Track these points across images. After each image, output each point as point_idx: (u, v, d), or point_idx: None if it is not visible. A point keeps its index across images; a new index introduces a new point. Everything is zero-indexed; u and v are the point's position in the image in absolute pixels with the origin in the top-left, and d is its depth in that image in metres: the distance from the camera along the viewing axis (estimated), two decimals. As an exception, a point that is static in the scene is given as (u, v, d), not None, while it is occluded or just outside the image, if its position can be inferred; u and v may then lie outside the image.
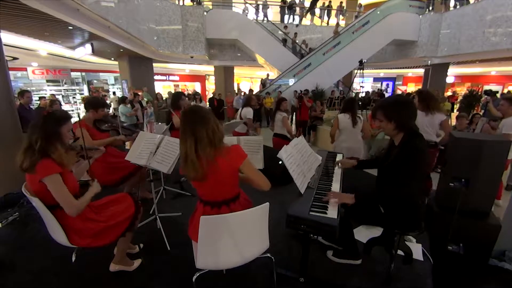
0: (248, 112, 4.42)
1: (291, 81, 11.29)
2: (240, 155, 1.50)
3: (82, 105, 8.81)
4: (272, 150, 3.59)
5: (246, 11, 12.13)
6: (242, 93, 11.61)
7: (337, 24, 12.77)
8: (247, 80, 22.15)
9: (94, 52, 8.35)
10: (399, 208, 1.73)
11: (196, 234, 1.39)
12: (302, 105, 7.63)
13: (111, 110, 7.63)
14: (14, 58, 10.22)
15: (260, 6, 12.50)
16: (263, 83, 11.30)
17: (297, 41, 12.20)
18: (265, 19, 12.45)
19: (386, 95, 18.43)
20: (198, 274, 1.55)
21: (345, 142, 3.40)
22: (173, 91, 12.57)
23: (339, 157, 2.65)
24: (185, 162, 1.45)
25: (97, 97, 3.40)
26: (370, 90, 16.34)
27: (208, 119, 1.45)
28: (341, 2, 15.37)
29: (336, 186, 1.94)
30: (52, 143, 1.56)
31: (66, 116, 1.72)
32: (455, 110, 10.83)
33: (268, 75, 11.70)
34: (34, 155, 1.50)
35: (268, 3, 12.67)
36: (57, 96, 9.79)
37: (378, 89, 17.23)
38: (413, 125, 1.73)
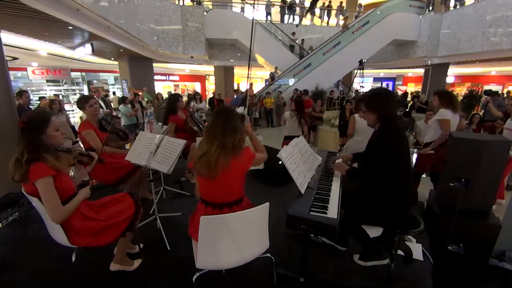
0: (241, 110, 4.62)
1: (291, 81, 11.29)
2: (250, 157, 1.54)
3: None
4: (272, 150, 3.59)
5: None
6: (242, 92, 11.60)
7: (346, 17, 12.77)
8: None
9: (94, 52, 8.36)
10: (379, 196, 1.76)
11: (196, 233, 1.39)
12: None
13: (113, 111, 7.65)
14: (14, 58, 10.22)
15: (260, 6, 12.48)
16: (272, 77, 11.19)
17: (304, 48, 12.17)
18: (268, 18, 12.43)
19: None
20: (198, 274, 1.55)
21: (359, 143, 3.30)
22: (173, 91, 12.57)
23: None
24: (200, 158, 1.47)
25: (81, 95, 3.41)
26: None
27: (238, 129, 1.50)
28: (341, 2, 15.37)
29: (336, 186, 1.94)
30: (38, 153, 1.49)
31: (44, 117, 1.59)
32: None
33: (276, 68, 11.57)
34: (22, 168, 1.46)
35: (273, 2, 12.66)
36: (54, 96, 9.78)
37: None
38: (392, 114, 1.78)
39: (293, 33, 12.11)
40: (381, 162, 1.69)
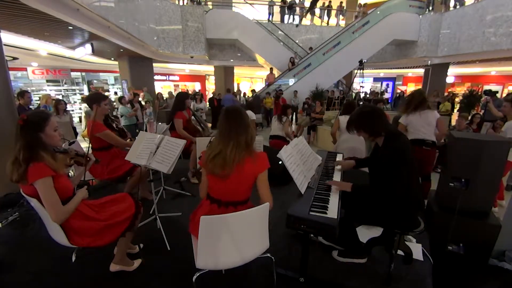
0: (252, 115, 4.77)
1: (291, 81, 11.30)
2: (266, 163, 1.55)
3: (83, 104, 8.82)
4: (272, 150, 3.59)
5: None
6: (243, 93, 11.61)
7: (365, 4, 12.91)
8: (247, 80, 22.16)
9: (94, 52, 8.35)
10: (392, 205, 1.75)
11: (197, 231, 1.39)
12: (278, 103, 8.60)
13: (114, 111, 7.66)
14: (14, 58, 10.21)
15: (262, 6, 12.48)
16: (292, 62, 11.20)
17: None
18: (270, 18, 12.45)
19: (387, 95, 18.50)
20: (198, 274, 1.55)
21: (346, 142, 3.43)
22: (173, 91, 12.57)
23: (339, 157, 2.65)
24: (215, 157, 1.48)
25: (95, 93, 3.38)
26: (369, 90, 16.36)
27: (249, 126, 1.52)
28: (341, 2, 15.37)
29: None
30: (36, 151, 1.48)
31: (44, 117, 1.59)
32: (455, 110, 10.83)
33: (296, 53, 11.44)
34: (21, 167, 1.45)
35: (274, 1, 12.67)
36: (57, 96, 9.80)
37: (373, 90, 17.24)
38: (387, 127, 1.83)
39: (310, 48, 12.18)
40: (399, 176, 1.69)
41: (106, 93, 12.93)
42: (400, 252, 1.95)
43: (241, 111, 1.57)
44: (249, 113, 4.73)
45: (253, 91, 11.70)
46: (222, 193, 1.57)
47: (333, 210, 1.58)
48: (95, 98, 2.66)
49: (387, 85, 20.90)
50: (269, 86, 11.15)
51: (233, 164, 1.45)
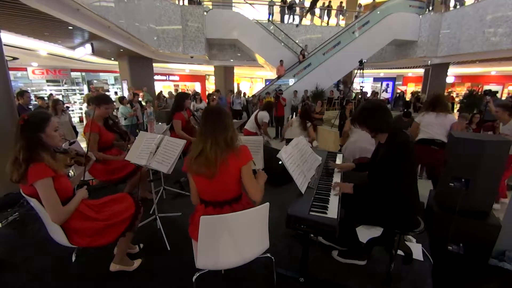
0: (265, 117, 4.67)
1: (291, 81, 11.30)
2: (247, 156, 1.53)
3: (84, 104, 8.85)
4: (272, 150, 3.59)
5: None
6: (242, 93, 11.62)
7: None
8: (247, 80, 22.15)
9: (94, 52, 8.34)
10: (392, 203, 1.75)
11: (196, 234, 1.39)
12: (278, 103, 8.56)
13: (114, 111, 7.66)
14: (14, 58, 10.21)
15: (262, 6, 12.49)
16: (303, 54, 11.29)
17: None
18: (270, 18, 12.47)
19: (387, 95, 18.49)
20: (198, 274, 1.55)
21: (357, 142, 3.41)
22: (173, 91, 12.57)
23: (339, 157, 2.65)
24: (198, 157, 1.48)
25: (101, 94, 3.38)
26: (370, 91, 16.34)
27: (229, 125, 1.51)
28: (341, 2, 15.37)
29: (336, 186, 1.93)
30: (36, 152, 1.48)
31: (44, 117, 1.60)
32: (455, 110, 10.83)
33: (306, 46, 11.63)
34: (21, 167, 1.45)
35: (274, 1, 12.68)
36: (56, 96, 9.80)
37: (373, 91, 17.24)
38: (390, 124, 1.82)
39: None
40: (402, 172, 1.69)
41: (106, 93, 12.92)
42: (400, 252, 1.95)
43: (219, 111, 1.55)
44: (263, 114, 4.69)
45: (231, 91, 11.88)
46: (213, 193, 1.56)
47: (333, 210, 1.58)
48: (97, 100, 2.69)
49: (387, 85, 20.90)
50: (279, 79, 11.19)
51: (217, 163, 1.44)
